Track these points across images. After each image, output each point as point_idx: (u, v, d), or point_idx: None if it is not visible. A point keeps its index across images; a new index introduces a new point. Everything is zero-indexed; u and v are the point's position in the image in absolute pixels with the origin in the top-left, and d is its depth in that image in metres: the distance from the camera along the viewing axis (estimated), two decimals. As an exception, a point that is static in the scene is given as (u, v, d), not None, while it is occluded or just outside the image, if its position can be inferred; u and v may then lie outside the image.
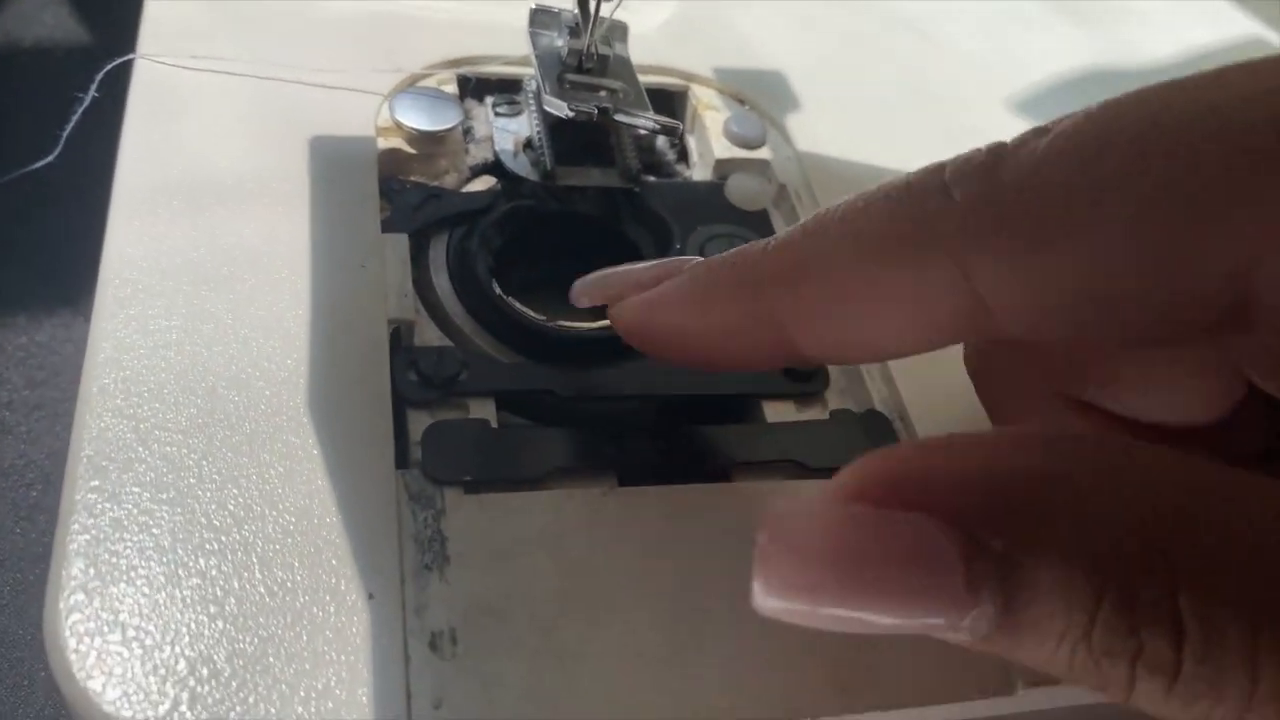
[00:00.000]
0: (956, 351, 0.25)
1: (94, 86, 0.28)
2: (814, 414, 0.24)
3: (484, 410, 0.22)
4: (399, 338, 0.23)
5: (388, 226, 0.25)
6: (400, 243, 0.24)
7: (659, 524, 0.21)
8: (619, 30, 0.27)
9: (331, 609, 0.18)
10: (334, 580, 0.19)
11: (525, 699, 0.18)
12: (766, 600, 0.14)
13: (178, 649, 0.18)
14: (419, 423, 0.22)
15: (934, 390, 0.24)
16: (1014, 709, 0.20)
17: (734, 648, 0.19)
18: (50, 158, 0.30)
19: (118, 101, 0.28)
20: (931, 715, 0.20)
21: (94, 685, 0.17)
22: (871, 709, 0.19)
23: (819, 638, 0.20)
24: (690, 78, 0.31)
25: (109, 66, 0.27)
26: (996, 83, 0.33)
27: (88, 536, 0.18)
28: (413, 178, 0.26)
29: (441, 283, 0.25)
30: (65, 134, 0.29)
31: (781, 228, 0.28)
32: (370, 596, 0.19)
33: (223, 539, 0.19)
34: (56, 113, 0.31)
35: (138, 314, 0.21)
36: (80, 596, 0.18)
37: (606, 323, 0.25)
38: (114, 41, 0.36)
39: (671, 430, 0.23)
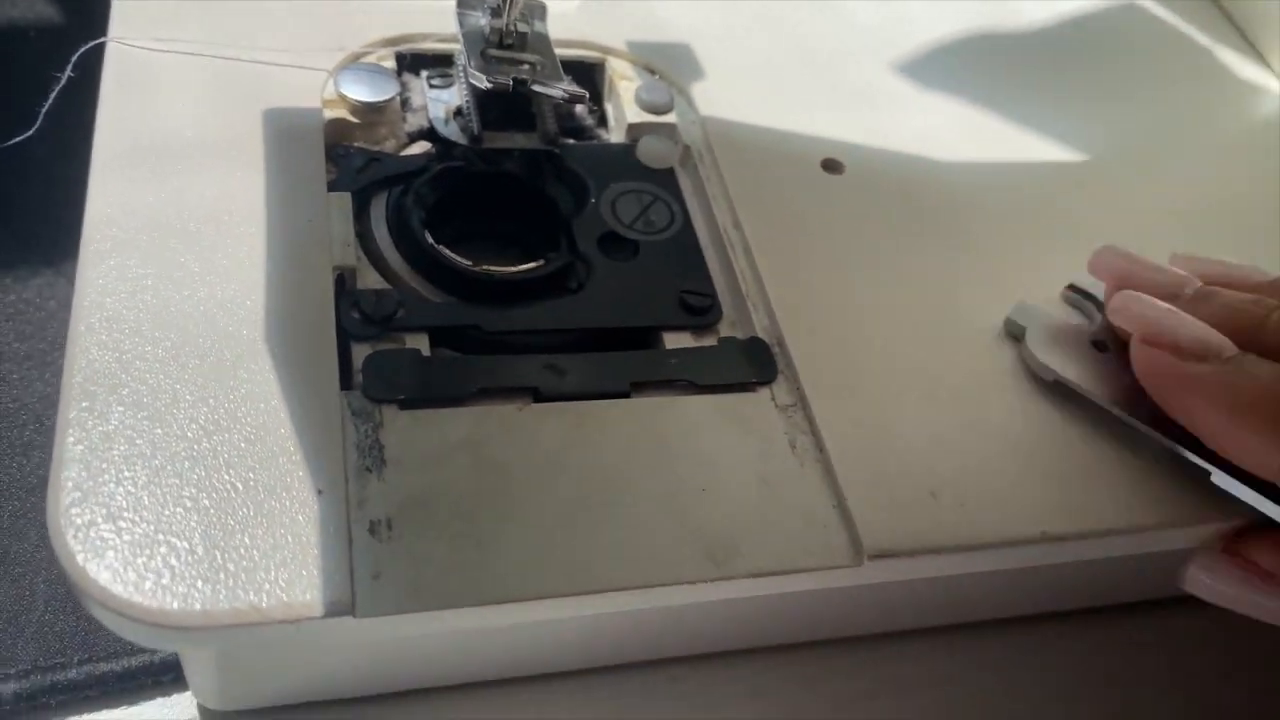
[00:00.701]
0: (829, 287, 0.29)
1: (69, 67, 0.31)
2: (707, 342, 0.28)
3: (419, 344, 0.26)
4: (343, 282, 0.27)
5: (334, 187, 0.28)
6: (344, 200, 0.28)
7: (567, 433, 0.25)
8: (538, 9, 0.31)
9: (287, 502, 0.22)
10: (289, 480, 0.22)
11: (448, 571, 0.22)
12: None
13: (160, 536, 0.21)
14: (361, 354, 0.25)
15: (808, 322, 0.28)
16: (863, 579, 0.24)
17: (624, 530, 0.23)
18: (29, 132, 0.33)
19: (89, 80, 0.31)
20: (790, 584, 0.24)
21: (91, 567, 0.21)
22: (738, 576, 0.23)
23: (695, 522, 0.24)
24: (607, 50, 0.34)
25: (83, 49, 0.30)
26: (884, 45, 0.37)
27: (82, 447, 0.22)
28: (356, 144, 0.30)
29: (381, 234, 0.28)
30: (44, 111, 0.33)
31: (685, 186, 0.32)
32: (319, 492, 0.22)
33: (195, 448, 0.23)
34: (27, 88, 0.34)
35: (117, 264, 0.25)
36: (77, 494, 0.21)
37: (527, 266, 0.29)
38: (83, 20, 0.39)
39: (580, 356, 0.26)
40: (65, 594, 0.30)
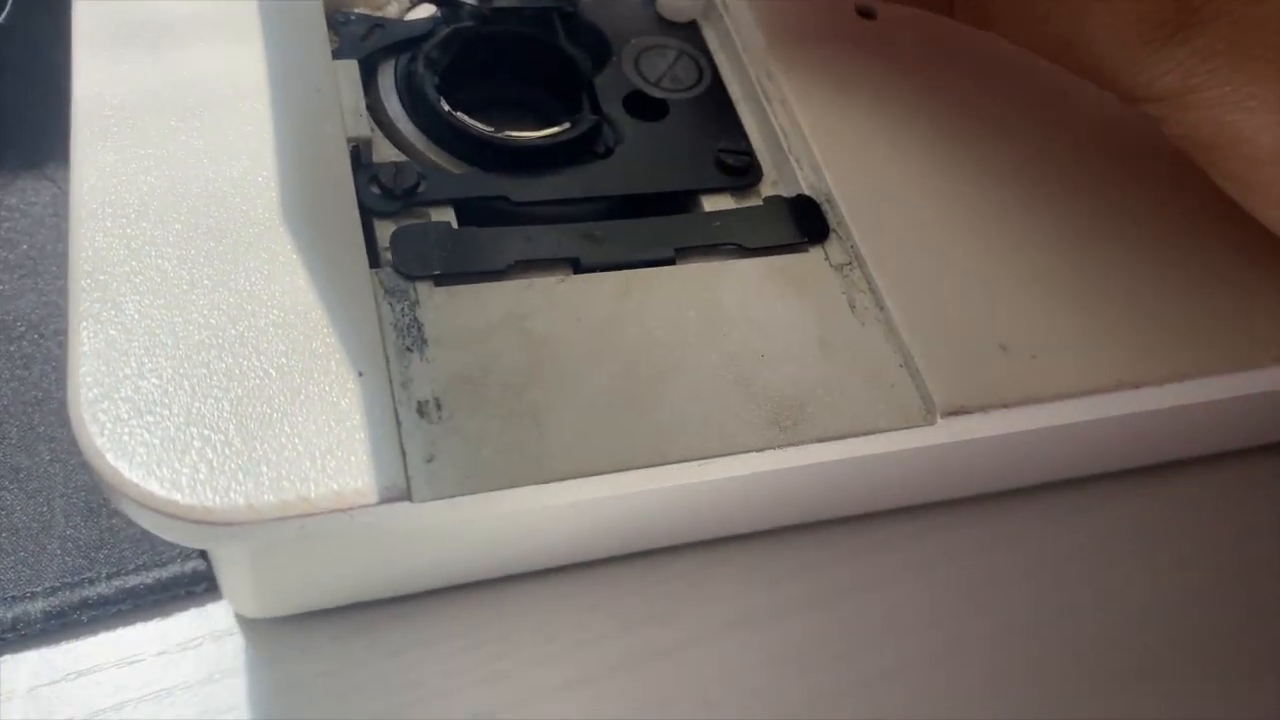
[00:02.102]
0: (875, 136, 0.27)
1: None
2: (750, 204, 0.26)
3: (444, 218, 0.24)
4: (359, 155, 0.25)
5: (338, 56, 0.26)
6: (351, 67, 0.26)
7: (614, 303, 0.23)
8: None
9: (326, 387, 0.21)
10: (325, 364, 0.21)
11: (506, 450, 0.20)
12: None
13: (193, 429, 0.20)
14: (385, 230, 0.24)
15: (857, 174, 0.26)
16: (936, 440, 0.23)
17: (685, 398, 0.22)
18: (-1, 21, 0.31)
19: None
20: (860, 448, 0.23)
21: (124, 466, 0.19)
22: (805, 442, 0.22)
23: (757, 388, 0.22)
24: (615, -101, 0.32)
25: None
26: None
27: (97, 340, 0.20)
28: (357, 9, 0.28)
29: (393, 105, 0.26)
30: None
31: (711, 39, 0.29)
32: (360, 374, 0.21)
33: (219, 335, 0.21)
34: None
35: (114, 145, 0.23)
36: (99, 390, 0.20)
37: (552, 130, 0.27)
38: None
39: (620, 223, 0.25)
40: (86, 507, 0.29)
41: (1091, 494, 0.34)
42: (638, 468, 0.21)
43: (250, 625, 0.28)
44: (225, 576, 0.26)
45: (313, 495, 0.19)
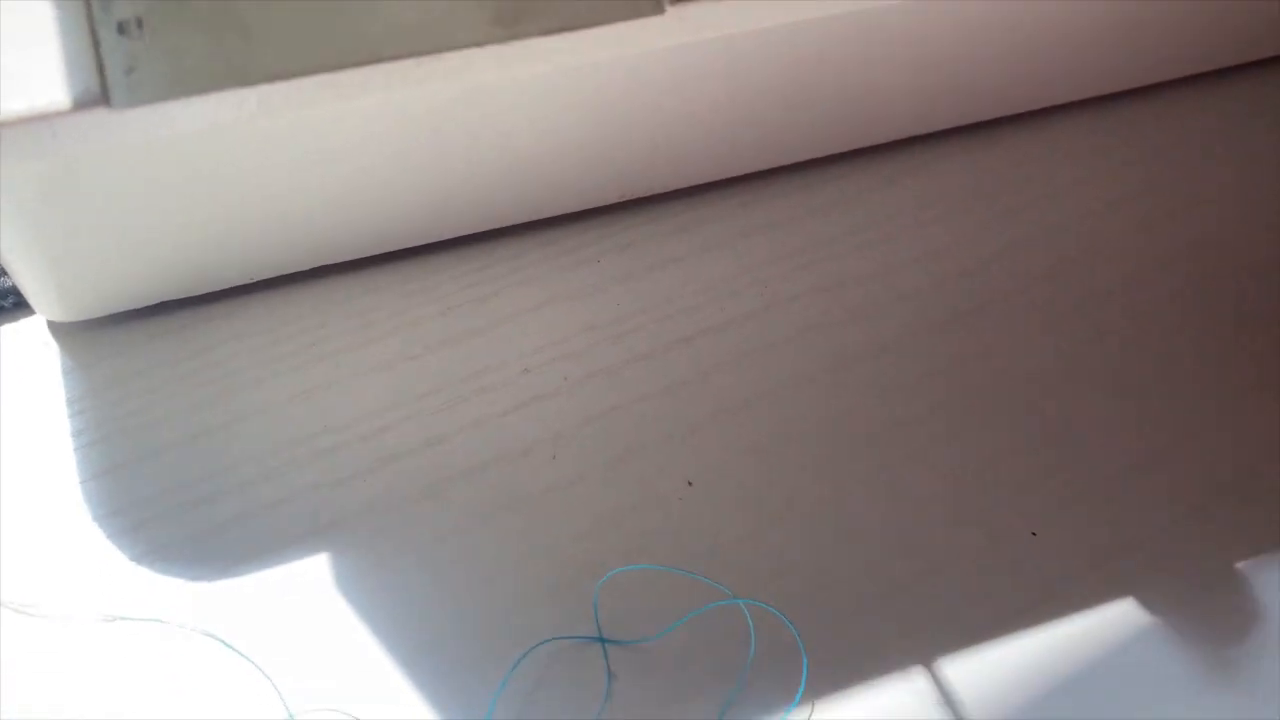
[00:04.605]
0: None
1: None
2: None
3: None
4: None
5: None
6: None
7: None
8: None
9: (12, 8, 0.20)
10: (18, -9, 0.20)
11: (209, 58, 0.20)
12: None
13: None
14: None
15: None
16: (674, 36, 0.23)
17: (399, 5, 0.22)
18: None
19: None
20: (589, 46, 0.22)
21: None
22: (528, 36, 0.22)
23: None
24: None
25: None
26: None
27: None
28: None
29: None
30: None
31: None
32: (53, -3, 0.20)
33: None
34: None
35: None
36: None
37: None
38: None
39: None
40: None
41: (915, 156, 0.34)
42: (346, 67, 0.21)
43: (64, 332, 0.28)
44: (18, 274, 0.26)
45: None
